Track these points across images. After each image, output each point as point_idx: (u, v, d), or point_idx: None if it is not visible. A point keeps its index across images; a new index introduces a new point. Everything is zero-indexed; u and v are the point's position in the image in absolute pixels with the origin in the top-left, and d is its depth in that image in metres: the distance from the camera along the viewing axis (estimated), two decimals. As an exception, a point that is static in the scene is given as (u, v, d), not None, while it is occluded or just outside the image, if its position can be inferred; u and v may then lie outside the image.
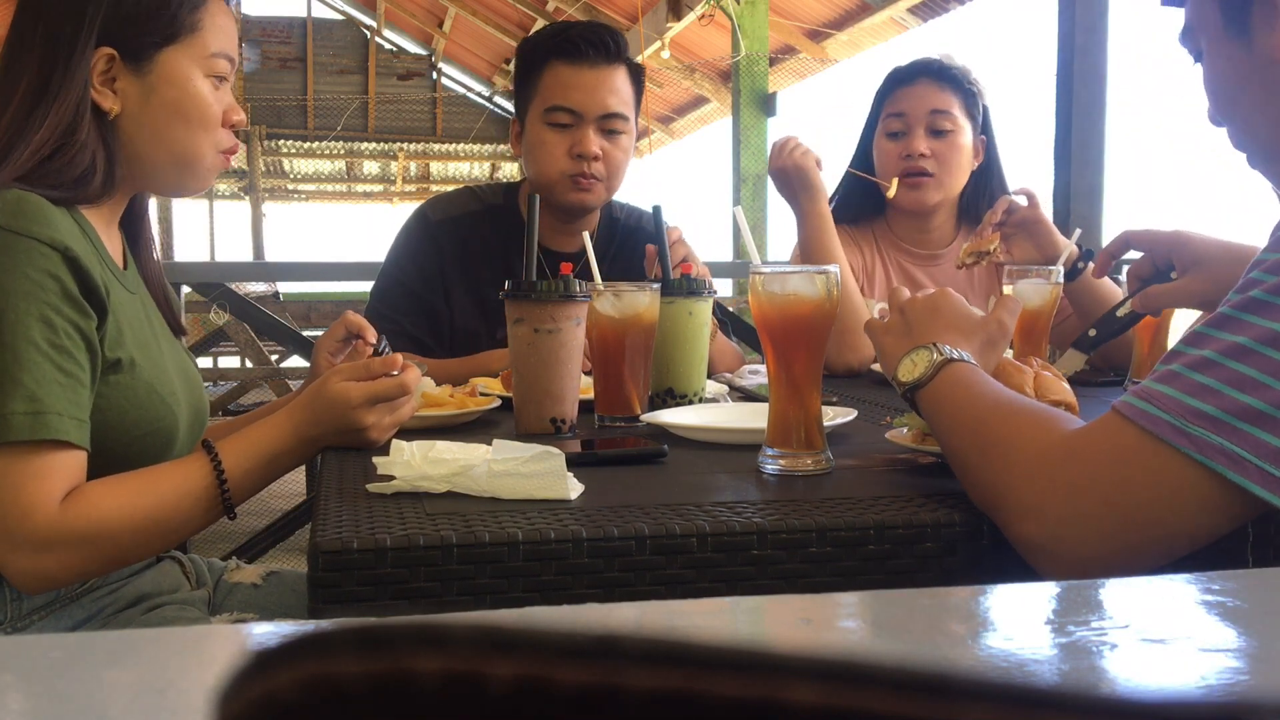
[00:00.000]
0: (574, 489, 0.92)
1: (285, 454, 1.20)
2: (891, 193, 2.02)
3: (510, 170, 15.68)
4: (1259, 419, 0.75)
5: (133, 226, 1.34)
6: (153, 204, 1.41)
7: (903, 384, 1.01)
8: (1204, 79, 0.97)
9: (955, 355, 1.00)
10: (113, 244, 1.26)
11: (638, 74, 1.86)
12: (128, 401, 1.16)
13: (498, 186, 1.99)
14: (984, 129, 2.08)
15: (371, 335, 1.41)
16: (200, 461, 1.16)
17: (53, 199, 1.12)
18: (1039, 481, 0.82)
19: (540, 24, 11.58)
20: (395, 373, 1.19)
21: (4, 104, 1.16)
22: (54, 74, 1.16)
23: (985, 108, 2.08)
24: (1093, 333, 1.50)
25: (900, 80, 2.06)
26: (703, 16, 7.78)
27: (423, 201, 2.01)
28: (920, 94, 2.02)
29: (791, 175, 1.88)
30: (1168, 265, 1.38)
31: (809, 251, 1.90)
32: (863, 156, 2.12)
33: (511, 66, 1.93)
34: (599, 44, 1.78)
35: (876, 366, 1.85)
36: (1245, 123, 0.95)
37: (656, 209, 1.60)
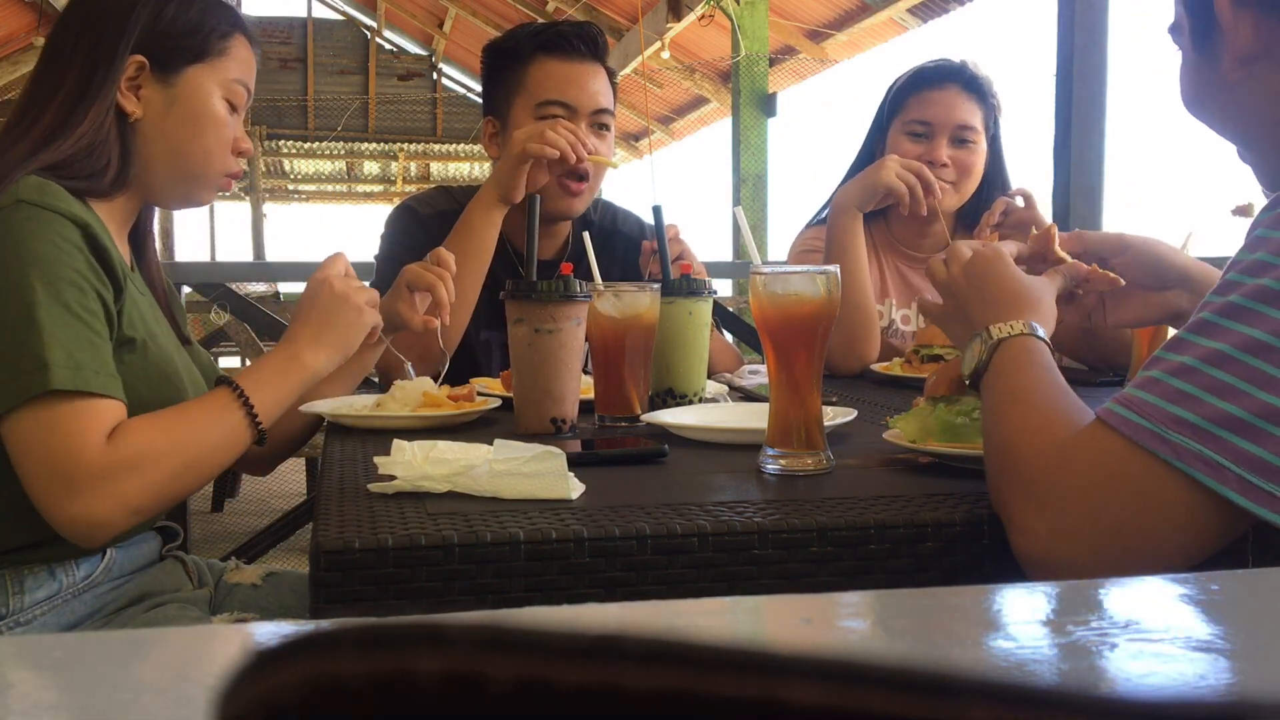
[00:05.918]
0: (575, 489, 0.92)
1: (292, 363, 1.26)
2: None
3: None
4: (1238, 426, 0.75)
5: (138, 242, 1.40)
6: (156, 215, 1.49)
7: (966, 378, 1.01)
8: (1179, 74, 0.98)
9: (1003, 335, 0.97)
10: (124, 249, 1.31)
11: (613, 77, 1.85)
12: (139, 380, 1.21)
13: (472, 189, 1.95)
14: (992, 141, 2.06)
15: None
16: (222, 390, 1.22)
17: (69, 189, 1.18)
18: (1033, 495, 0.82)
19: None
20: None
21: (46, 101, 1.24)
22: (95, 76, 1.24)
23: (997, 121, 2.06)
24: None
25: (928, 82, 2.00)
26: (703, 17, 7.77)
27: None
28: (949, 102, 1.98)
29: (878, 191, 1.88)
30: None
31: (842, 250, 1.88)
32: (869, 154, 2.07)
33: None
34: (588, 40, 1.77)
35: (877, 366, 1.85)
36: (1218, 125, 0.96)
37: (657, 209, 1.60)
